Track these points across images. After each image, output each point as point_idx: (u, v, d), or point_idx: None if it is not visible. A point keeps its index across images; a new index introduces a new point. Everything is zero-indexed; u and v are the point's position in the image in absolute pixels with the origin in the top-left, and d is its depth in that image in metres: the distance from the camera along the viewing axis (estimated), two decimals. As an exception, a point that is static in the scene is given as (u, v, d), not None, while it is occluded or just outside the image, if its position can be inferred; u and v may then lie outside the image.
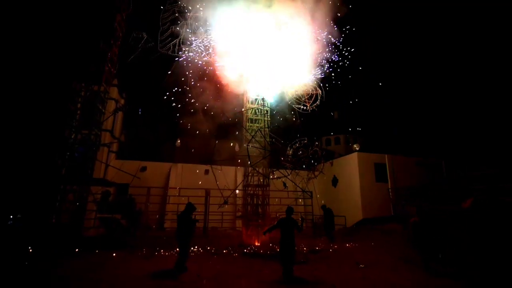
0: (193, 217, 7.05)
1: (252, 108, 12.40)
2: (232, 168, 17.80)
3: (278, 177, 11.56)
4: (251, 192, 11.89)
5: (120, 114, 18.72)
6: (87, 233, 12.35)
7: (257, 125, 12.41)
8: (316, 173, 12.99)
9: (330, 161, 19.18)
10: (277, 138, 12.38)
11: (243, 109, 12.23)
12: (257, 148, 11.97)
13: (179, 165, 19.46)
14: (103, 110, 13.53)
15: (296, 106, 13.83)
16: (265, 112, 12.41)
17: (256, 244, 10.83)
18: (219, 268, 6.80)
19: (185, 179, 18.59)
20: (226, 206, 12.95)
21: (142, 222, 14.88)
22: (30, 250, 8.24)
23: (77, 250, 8.75)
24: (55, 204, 10.51)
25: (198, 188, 15.20)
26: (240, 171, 16.69)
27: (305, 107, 13.99)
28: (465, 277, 5.94)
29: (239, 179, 16.85)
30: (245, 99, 12.87)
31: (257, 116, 12.42)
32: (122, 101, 18.94)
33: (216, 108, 13.66)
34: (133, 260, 7.66)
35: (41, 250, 8.23)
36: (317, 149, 13.66)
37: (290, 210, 6.67)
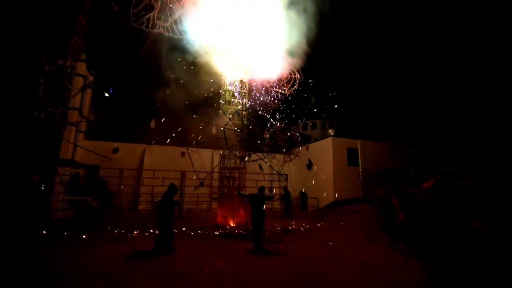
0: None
1: (230, 90, 12.22)
2: (209, 151, 17.64)
3: (254, 160, 11.66)
4: (227, 174, 11.93)
5: (89, 92, 17.59)
6: (55, 215, 11.85)
7: (235, 107, 12.28)
8: (292, 156, 13.26)
9: (306, 145, 19.61)
10: (254, 121, 12.38)
11: (220, 91, 12.00)
12: (234, 130, 11.92)
13: (154, 146, 18.92)
14: (70, 87, 12.66)
15: (275, 89, 13.84)
16: (243, 94, 12.27)
17: (231, 225, 11.03)
18: (194, 248, 6.88)
19: (160, 161, 18.15)
20: (202, 188, 12.96)
21: (115, 204, 14.50)
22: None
23: (44, 232, 8.40)
24: (23, 187, 9.89)
25: (173, 170, 14.98)
26: (217, 153, 16.61)
27: (283, 91, 14.04)
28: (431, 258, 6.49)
29: (216, 161, 16.80)
30: (222, 80, 12.61)
31: (235, 98, 12.27)
32: (91, 78, 17.77)
33: (192, 88, 13.29)
34: (104, 243, 7.50)
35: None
36: (294, 133, 13.85)
37: (261, 189, 7.47)
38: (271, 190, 16.85)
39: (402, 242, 7.66)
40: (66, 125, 12.76)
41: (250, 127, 12.14)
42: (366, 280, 4.57)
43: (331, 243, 7.58)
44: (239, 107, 12.19)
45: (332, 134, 19.20)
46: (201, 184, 11.38)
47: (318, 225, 11.34)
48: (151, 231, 9.16)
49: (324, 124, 27.12)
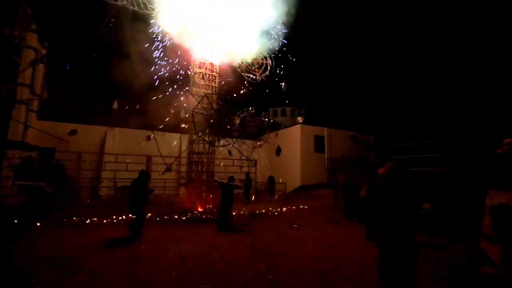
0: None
1: (200, 73, 11.82)
2: (176, 135, 17.13)
3: (224, 145, 11.59)
4: (196, 159, 11.75)
5: (41, 68, 15.93)
6: (3, 201, 10.85)
7: (204, 91, 11.95)
8: (261, 142, 13.39)
9: (275, 131, 19.88)
10: (224, 105, 12.19)
11: (189, 72, 11.55)
12: (204, 114, 11.67)
13: (117, 129, 17.89)
14: (19, 61, 11.29)
15: (246, 74, 13.65)
16: (213, 78, 11.97)
17: (199, 209, 10.99)
18: (160, 233, 6.77)
19: (124, 145, 17.26)
20: (169, 173, 12.64)
21: (73, 189, 13.63)
22: None
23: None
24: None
25: (138, 155, 14.35)
26: (185, 137, 16.21)
27: (254, 76, 13.91)
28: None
29: (184, 146, 16.41)
30: (192, 62, 12.14)
31: (205, 82, 11.92)
32: (44, 51, 16.05)
33: (159, 69, 12.61)
34: (61, 231, 7.08)
35: None
36: (263, 119, 13.93)
37: (231, 178, 8.03)
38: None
39: (361, 224, 8.27)
40: (14, 103, 11.46)
41: (223, 111, 11.95)
42: (327, 259, 4.86)
43: (296, 226, 7.90)
44: (209, 91, 11.90)
45: (301, 121, 19.66)
46: (168, 169, 11.09)
47: (284, 209, 11.74)
48: (114, 218, 8.83)
49: (293, 111, 27.59)
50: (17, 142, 12.49)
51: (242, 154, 12.22)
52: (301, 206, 12.43)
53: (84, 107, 18.63)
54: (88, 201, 13.14)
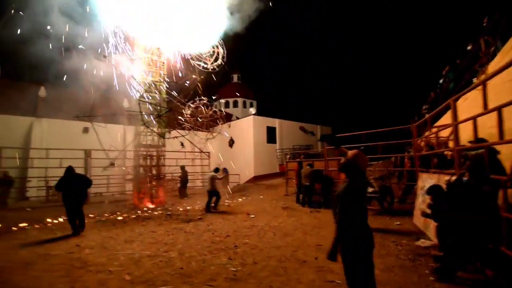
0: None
1: (146, 57, 10.89)
2: (120, 126, 15.66)
3: (175, 137, 10.99)
4: (144, 152, 10.93)
5: None
6: None
7: (152, 78, 11.09)
8: (215, 134, 13.09)
9: (228, 123, 19.70)
10: (174, 95, 11.49)
11: (133, 58, 10.54)
12: (152, 104, 10.86)
13: (45, 120, 15.60)
14: None
15: (196, 63, 13.05)
16: (162, 64, 11.16)
17: (150, 206, 10.33)
18: (107, 235, 6.14)
19: (55, 138, 15.17)
20: (113, 168, 11.55)
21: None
22: None
23: None
24: None
25: (74, 149, 12.73)
26: (130, 129, 14.94)
27: (205, 65, 13.39)
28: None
29: (128, 138, 15.12)
30: (136, 44, 11.07)
31: (151, 68, 11.04)
32: None
33: (95, 48, 11.20)
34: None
35: None
36: (216, 110, 13.59)
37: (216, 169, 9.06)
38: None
39: (313, 210, 8.77)
40: None
41: (173, 101, 11.23)
42: (286, 246, 5.00)
43: (253, 216, 7.98)
44: (156, 78, 11.07)
45: (253, 112, 19.81)
46: (112, 164, 10.09)
47: (240, 199, 11.78)
48: (48, 221, 7.75)
49: (245, 102, 27.66)
50: None
51: (195, 146, 11.77)
52: (255, 196, 12.60)
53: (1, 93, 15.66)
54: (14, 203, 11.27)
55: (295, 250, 4.74)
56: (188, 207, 10.23)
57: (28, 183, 13.40)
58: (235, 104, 27.60)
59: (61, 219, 7.98)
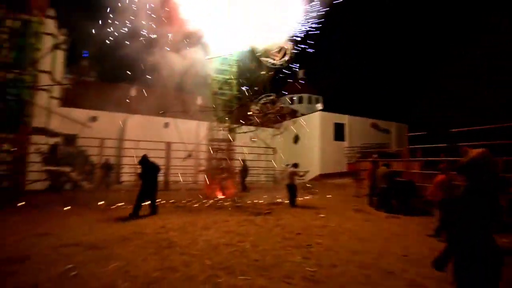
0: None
1: (219, 57, 11.45)
2: (194, 122, 17.00)
3: (245, 132, 11.33)
4: (215, 146, 11.58)
5: (60, 54, 16.01)
6: (30, 187, 11.18)
7: (223, 76, 11.63)
8: (282, 129, 13.04)
9: (293, 119, 19.47)
10: (245, 91, 11.83)
11: (207, 57, 11.20)
12: (224, 100, 11.42)
13: (136, 116, 17.99)
14: (38, 47, 11.28)
15: (264, 59, 13.16)
16: (234, 62, 11.59)
17: (220, 196, 10.91)
18: (185, 220, 6.69)
19: (142, 131, 17.36)
20: (188, 160, 12.58)
21: (103, 175, 13.90)
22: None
23: (19, 204, 7.86)
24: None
25: (158, 141, 14.31)
26: (203, 125, 16.08)
27: (273, 61, 13.40)
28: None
29: (202, 133, 16.31)
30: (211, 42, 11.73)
31: (224, 67, 11.57)
32: (62, 38, 16.09)
33: (176, 53, 12.27)
34: (89, 215, 7.14)
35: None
36: (283, 106, 13.52)
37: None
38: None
39: (390, 214, 7.94)
40: (35, 89, 11.57)
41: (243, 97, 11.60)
42: (365, 253, 4.61)
43: (322, 215, 7.65)
44: (228, 76, 11.56)
45: (320, 108, 19.08)
46: (189, 156, 10.99)
47: (307, 197, 11.49)
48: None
49: (310, 98, 26.92)
50: (41, 129, 12.75)
51: (264, 142, 11.96)
52: (323, 195, 12.12)
53: (103, 93, 18.68)
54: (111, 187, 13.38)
55: (376, 258, 4.30)
56: (255, 200, 10.44)
57: (122, 169, 15.72)
58: (300, 100, 27.12)
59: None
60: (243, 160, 14.05)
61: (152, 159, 7.73)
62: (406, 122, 21.51)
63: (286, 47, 13.36)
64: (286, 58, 13.49)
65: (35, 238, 4.87)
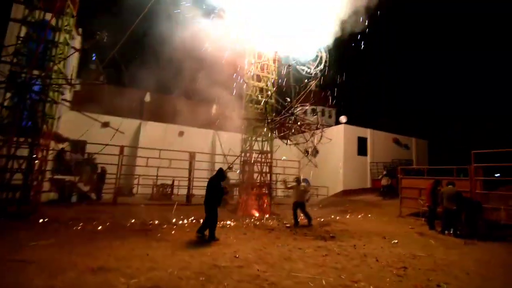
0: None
1: (258, 63, 10.73)
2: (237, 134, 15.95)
3: (294, 143, 10.55)
4: (251, 158, 10.67)
5: (74, 56, 14.99)
6: (38, 198, 9.90)
7: (262, 84, 10.88)
8: (316, 141, 12.27)
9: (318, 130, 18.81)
10: (283, 102, 11.10)
11: (253, 61, 10.43)
12: (261, 109, 10.63)
13: (150, 123, 16.95)
14: (55, 48, 10.16)
15: (300, 67, 12.55)
16: (274, 69, 10.89)
17: (256, 214, 9.92)
18: (251, 246, 5.69)
19: (156, 139, 16.26)
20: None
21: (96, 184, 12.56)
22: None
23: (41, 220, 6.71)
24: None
25: (180, 151, 13.27)
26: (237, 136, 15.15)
27: (309, 70, 12.80)
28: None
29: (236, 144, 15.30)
30: (247, 51, 11.01)
31: (264, 73, 10.83)
32: (79, 39, 15.12)
33: (206, 60, 11.50)
34: (131, 237, 6.05)
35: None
36: (317, 116, 12.85)
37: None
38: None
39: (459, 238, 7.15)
40: (49, 91, 10.44)
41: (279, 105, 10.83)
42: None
43: (395, 241, 6.77)
44: (268, 84, 10.81)
45: (344, 121, 18.47)
46: (230, 168, 10.02)
47: (348, 216, 10.62)
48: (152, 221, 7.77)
49: (324, 110, 26.41)
50: (50, 133, 11.53)
51: (303, 153, 11.18)
52: (359, 214, 11.25)
53: (116, 98, 17.58)
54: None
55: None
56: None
57: (135, 180, 14.44)
58: (314, 112, 26.60)
59: (186, 220, 8.04)
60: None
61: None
62: (425, 138, 21.20)
63: (321, 55, 12.85)
64: (321, 67, 12.97)
65: (92, 276, 3.79)
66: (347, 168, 16.97)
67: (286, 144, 10.91)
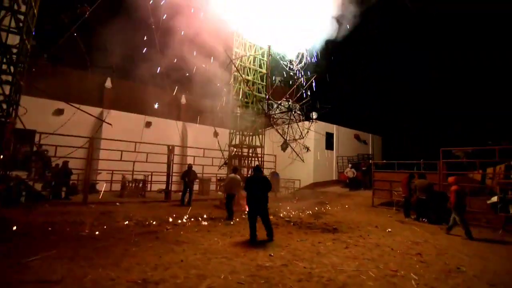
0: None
1: (249, 56, 10.50)
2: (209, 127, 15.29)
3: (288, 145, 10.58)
4: (238, 153, 10.49)
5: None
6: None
7: (251, 76, 10.70)
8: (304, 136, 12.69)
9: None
10: (274, 101, 11.12)
11: (245, 54, 10.15)
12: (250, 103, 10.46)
13: (113, 112, 15.22)
14: None
15: (284, 62, 12.69)
16: (265, 62, 10.78)
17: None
18: (275, 242, 5.69)
19: (121, 130, 14.70)
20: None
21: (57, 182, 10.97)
22: None
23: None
24: None
25: (155, 144, 12.24)
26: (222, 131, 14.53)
27: (291, 66, 13.02)
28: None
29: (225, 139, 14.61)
30: (237, 43, 10.68)
31: (255, 66, 10.65)
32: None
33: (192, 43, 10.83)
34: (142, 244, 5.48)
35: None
36: (298, 112, 13.24)
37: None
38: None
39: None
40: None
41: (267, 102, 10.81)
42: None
43: (389, 229, 7.46)
44: (252, 77, 10.67)
45: (315, 117, 19.29)
46: (225, 164, 9.66)
47: (329, 208, 11.27)
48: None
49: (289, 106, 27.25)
50: None
51: (298, 152, 11.44)
52: (338, 205, 12.06)
53: (71, 83, 15.31)
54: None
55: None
56: (290, 213, 9.72)
57: (97, 175, 12.94)
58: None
59: (184, 220, 7.58)
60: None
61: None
62: (380, 134, 23.55)
63: (303, 53, 13.18)
64: (302, 64, 13.32)
65: None
66: (317, 162, 17.92)
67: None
